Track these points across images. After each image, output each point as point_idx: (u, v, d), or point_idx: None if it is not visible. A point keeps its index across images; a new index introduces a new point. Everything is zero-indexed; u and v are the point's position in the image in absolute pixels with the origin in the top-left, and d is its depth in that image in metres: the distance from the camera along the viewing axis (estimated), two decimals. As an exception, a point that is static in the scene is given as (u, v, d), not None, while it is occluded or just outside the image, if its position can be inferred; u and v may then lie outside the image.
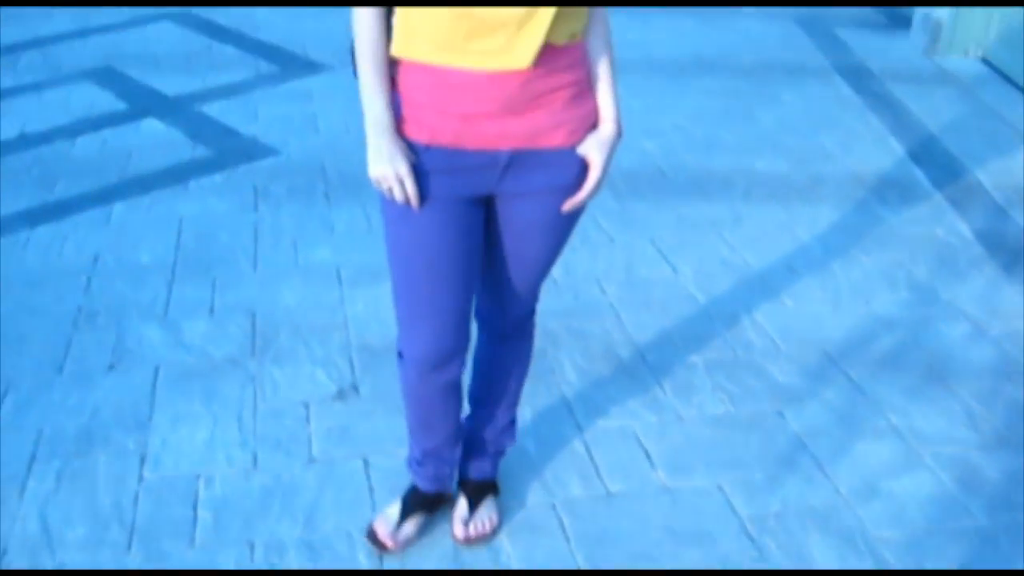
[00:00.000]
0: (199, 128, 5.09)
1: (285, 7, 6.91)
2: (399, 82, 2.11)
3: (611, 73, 2.19)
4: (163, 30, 6.48)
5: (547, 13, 1.97)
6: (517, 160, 2.13)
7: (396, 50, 2.09)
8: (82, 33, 6.33)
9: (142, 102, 5.38)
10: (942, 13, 6.45)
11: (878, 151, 5.15)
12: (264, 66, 5.89)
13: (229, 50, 6.15)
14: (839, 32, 6.95)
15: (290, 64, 5.93)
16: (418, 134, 2.10)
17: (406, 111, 2.10)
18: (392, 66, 2.11)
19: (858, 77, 6.12)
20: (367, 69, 2.09)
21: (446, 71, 2.03)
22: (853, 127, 5.41)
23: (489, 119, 2.06)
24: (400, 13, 2.07)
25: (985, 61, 6.43)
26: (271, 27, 6.54)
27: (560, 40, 2.05)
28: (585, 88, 2.15)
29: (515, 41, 1.99)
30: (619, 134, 2.20)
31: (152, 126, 5.12)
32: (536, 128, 2.09)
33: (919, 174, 4.93)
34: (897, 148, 5.19)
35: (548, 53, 2.03)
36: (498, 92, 2.03)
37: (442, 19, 1.99)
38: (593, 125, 2.18)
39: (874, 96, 5.85)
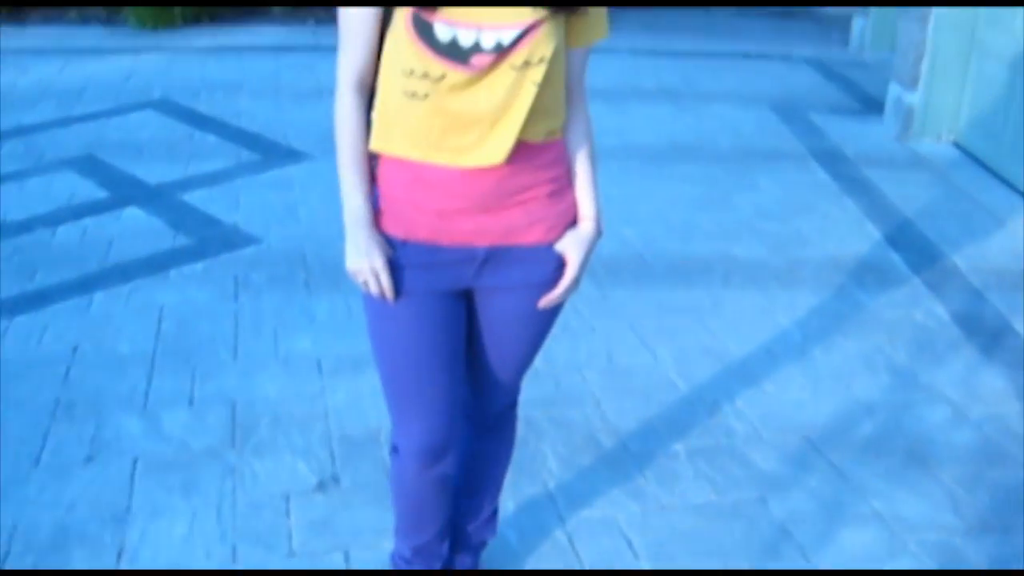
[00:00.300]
0: (180, 216, 5.10)
1: (267, 97, 6.99)
2: (378, 176, 2.13)
3: (591, 169, 2.22)
4: (146, 118, 6.53)
5: (521, 110, 2.00)
6: (494, 256, 2.15)
7: (374, 145, 2.11)
8: (65, 122, 6.38)
9: (123, 190, 5.40)
10: (913, 98, 6.56)
11: (855, 235, 5.21)
12: (246, 154, 5.94)
13: (211, 138, 6.20)
14: (813, 117, 7.06)
15: (272, 152, 5.98)
16: (395, 229, 2.12)
17: (384, 205, 2.12)
18: (372, 160, 2.14)
19: (833, 162, 6.21)
20: (346, 163, 2.12)
21: (422, 167, 2.06)
22: (830, 212, 5.47)
23: (465, 215, 2.08)
24: (379, 108, 2.10)
25: (957, 145, 6.54)
26: (253, 116, 6.60)
27: (537, 137, 2.08)
28: (564, 184, 2.18)
29: (488, 138, 2.02)
30: (598, 232, 2.22)
31: (133, 215, 5.13)
32: (512, 225, 2.11)
33: (896, 258, 4.98)
34: (874, 232, 5.25)
35: (525, 150, 2.06)
36: (473, 189, 2.06)
37: (417, 114, 2.02)
38: (572, 221, 2.20)
39: (850, 181, 5.93)
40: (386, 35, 2.06)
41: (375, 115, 2.12)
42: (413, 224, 2.10)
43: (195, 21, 9.17)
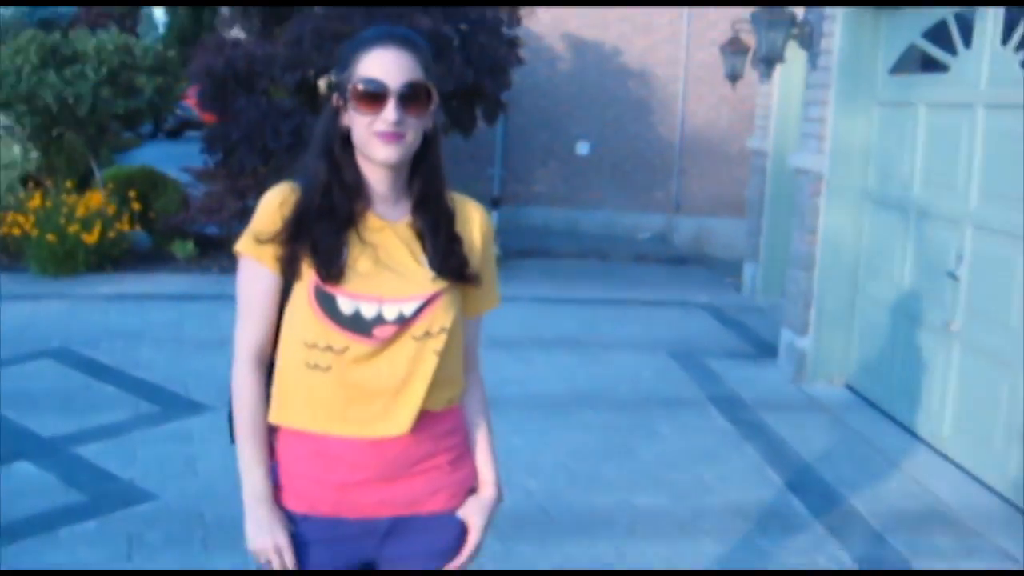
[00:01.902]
0: (73, 471, 4.96)
1: (169, 346, 6.96)
2: (277, 450, 2.11)
3: (489, 434, 2.24)
4: (42, 368, 6.44)
5: (423, 380, 2.04)
6: (397, 527, 2.13)
7: (274, 417, 2.11)
8: (-43, 372, 6.25)
9: (14, 444, 5.25)
10: (805, 343, 6.80)
11: (756, 482, 5.26)
12: (144, 406, 5.85)
13: (109, 389, 6.11)
14: (711, 362, 7.25)
15: (171, 404, 5.90)
16: (296, 504, 2.10)
17: (284, 480, 2.10)
18: (270, 433, 2.12)
19: (732, 407, 6.34)
20: (245, 437, 2.10)
21: (324, 439, 2.06)
22: (730, 458, 5.54)
23: (367, 487, 2.07)
24: (278, 379, 2.11)
25: (849, 387, 6.75)
26: (153, 365, 6.55)
27: (438, 406, 2.10)
28: (464, 451, 2.19)
29: (392, 408, 2.04)
30: (499, 498, 2.22)
31: (24, 469, 4.97)
32: (415, 495, 2.11)
33: (797, 503, 5.03)
34: (775, 478, 5.32)
35: (427, 419, 2.08)
36: (376, 459, 2.06)
37: (320, 386, 2.03)
38: (472, 488, 2.20)
39: (748, 426, 6.04)
40: (285, 307, 2.09)
41: (275, 387, 2.12)
42: (315, 498, 2.08)
43: (98, 268, 9.19)
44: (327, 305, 2.02)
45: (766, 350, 7.57)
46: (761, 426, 6.06)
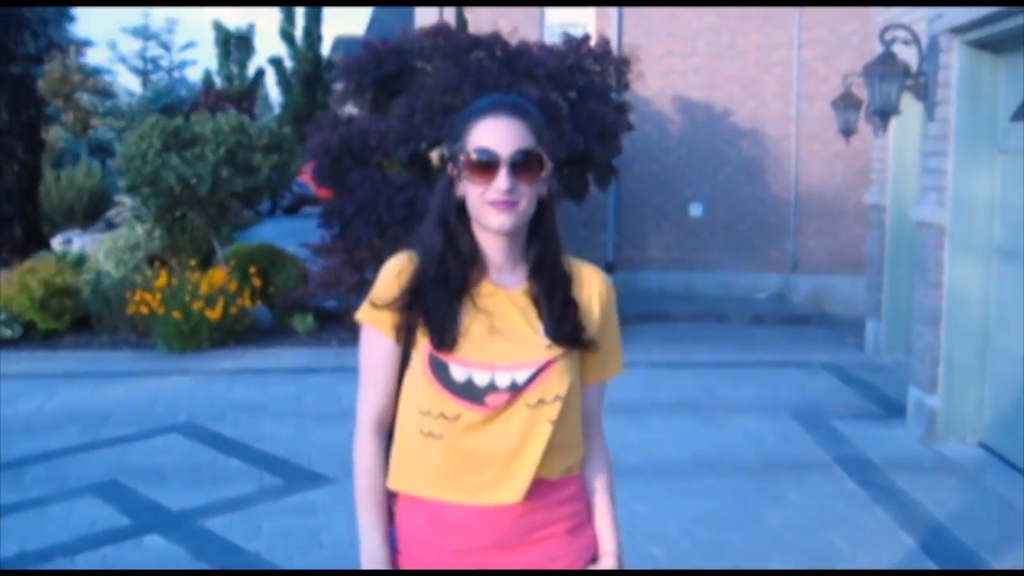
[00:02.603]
0: (201, 545, 5.03)
1: (291, 419, 7.06)
2: (396, 515, 2.12)
3: (611, 503, 2.20)
4: (170, 442, 6.58)
5: (537, 448, 2.02)
6: None
7: (392, 483, 2.12)
8: (90, 446, 6.42)
9: (145, 517, 5.36)
10: (935, 401, 6.58)
11: (889, 546, 5.08)
12: (268, 479, 5.93)
13: (234, 462, 6.22)
14: (836, 424, 7.06)
15: (295, 476, 5.97)
16: (413, 568, 2.09)
17: (402, 544, 2.10)
18: (390, 498, 2.13)
19: (860, 469, 6.15)
20: (365, 502, 2.12)
21: (439, 505, 2.05)
22: (861, 522, 5.36)
23: (483, 554, 2.05)
24: (396, 445, 2.11)
25: (983, 446, 6.49)
26: (276, 438, 6.64)
27: (554, 474, 2.07)
28: (584, 520, 2.15)
29: (505, 476, 2.02)
30: (621, 567, 2.17)
31: (154, 543, 5.07)
32: (532, 563, 2.08)
33: (934, 568, 4.83)
34: (908, 541, 5.12)
35: (542, 487, 2.05)
36: (491, 527, 2.04)
37: (434, 454, 2.03)
38: (593, 557, 2.16)
39: (878, 488, 5.84)
40: (404, 375, 2.10)
41: (393, 453, 2.13)
42: (431, 563, 2.07)
43: (221, 344, 9.41)
44: (440, 373, 2.02)
45: (893, 410, 7.35)
46: (892, 488, 5.85)
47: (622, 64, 10.71)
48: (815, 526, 5.28)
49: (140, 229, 11.01)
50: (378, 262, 10.36)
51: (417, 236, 2.16)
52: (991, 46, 6.26)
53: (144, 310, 9.38)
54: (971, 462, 6.30)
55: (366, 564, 2.10)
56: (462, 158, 2.07)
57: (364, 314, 2.15)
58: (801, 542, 5.06)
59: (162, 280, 9.51)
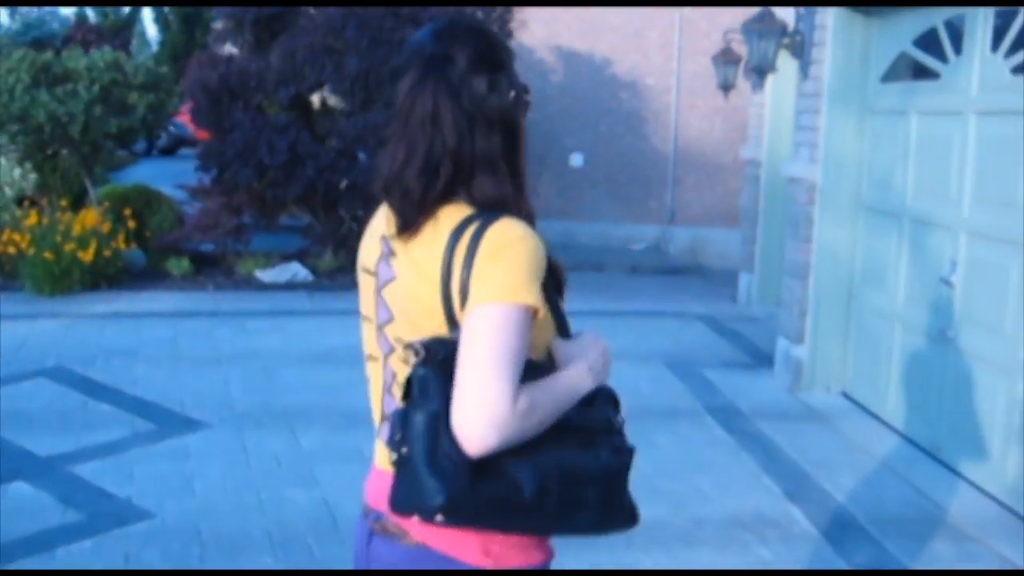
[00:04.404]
0: (70, 490, 4.95)
1: (165, 364, 6.95)
2: None
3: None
4: (38, 387, 6.43)
5: None
6: None
7: None
8: (-48, 394, 6.24)
9: (11, 463, 5.24)
10: (801, 351, 6.80)
11: (754, 491, 5.26)
12: (141, 424, 5.85)
13: (105, 407, 6.11)
14: (708, 373, 7.25)
15: (168, 422, 5.89)
16: None
17: None
18: None
19: (729, 417, 6.34)
20: (554, 396, 1.87)
21: None
22: (728, 467, 5.54)
23: None
24: None
25: (846, 395, 6.75)
26: (149, 384, 6.54)
27: None
28: None
29: None
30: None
31: (20, 489, 4.97)
32: None
33: (796, 512, 5.02)
34: (772, 487, 5.32)
35: None
36: None
37: None
38: None
39: (745, 435, 6.04)
40: None
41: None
42: None
43: (93, 287, 9.19)
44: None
45: (763, 360, 7.58)
46: (758, 435, 6.05)
47: (505, 12, 10.68)
48: (683, 471, 5.44)
49: (8, 167, 10.63)
50: (256, 205, 10.23)
51: (481, 189, 1.91)
52: (865, 7, 6.42)
53: (12, 250, 9.09)
54: (834, 410, 6.54)
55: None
56: (525, 97, 2.05)
57: (536, 298, 1.83)
58: (670, 487, 5.22)
59: (32, 220, 9.23)
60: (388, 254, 1.93)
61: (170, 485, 5.05)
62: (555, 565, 2.00)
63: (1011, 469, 5.00)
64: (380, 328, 1.96)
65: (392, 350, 1.95)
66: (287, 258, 10.29)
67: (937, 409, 5.70)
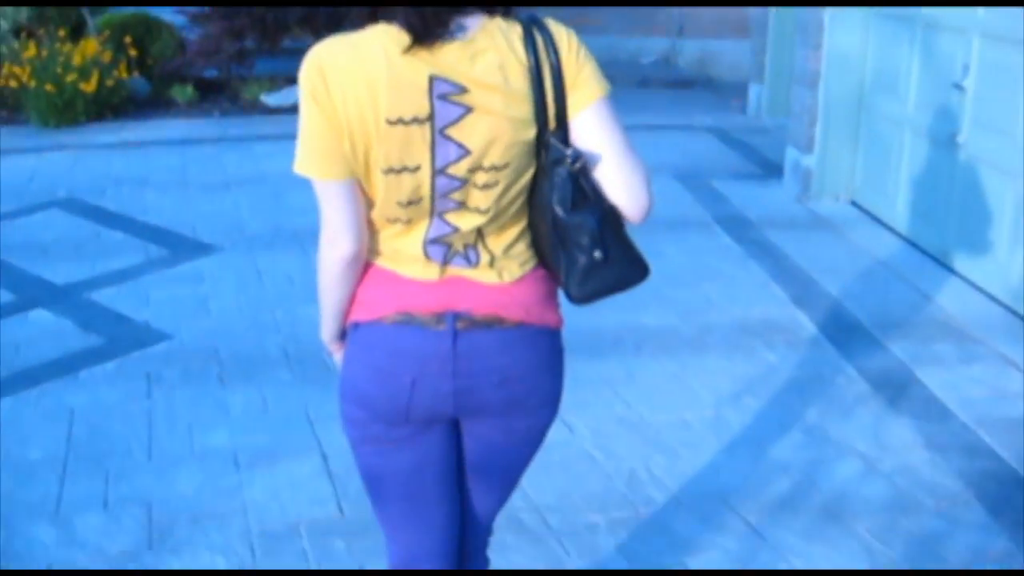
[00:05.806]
0: (89, 316, 5.05)
1: (174, 191, 6.98)
2: None
3: None
4: (51, 218, 6.48)
5: None
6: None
7: None
8: (-33, 225, 6.30)
9: (30, 292, 5.33)
10: (810, 160, 6.77)
11: (762, 298, 5.33)
12: (154, 250, 5.91)
13: (118, 235, 6.17)
14: (716, 184, 7.24)
15: (180, 247, 5.96)
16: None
17: None
18: None
19: (737, 227, 6.37)
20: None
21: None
22: (736, 276, 5.60)
23: None
24: None
25: (855, 204, 6.75)
26: (160, 210, 6.58)
27: None
28: None
29: None
30: None
31: (41, 316, 5.07)
32: None
33: (802, 317, 5.10)
34: (780, 293, 5.38)
35: None
36: None
37: None
38: None
39: (753, 244, 6.08)
40: None
41: None
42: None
43: (99, 117, 9.13)
44: None
45: (772, 170, 7.55)
46: (766, 244, 6.09)
47: None
48: (692, 280, 5.50)
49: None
50: (258, 28, 10.05)
51: None
52: None
53: (14, 84, 9.00)
54: (842, 219, 6.56)
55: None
56: None
57: None
58: (679, 295, 5.28)
59: (31, 52, 9.11)
60: (447, 92, 1.84)
61: (186, 307, 5.14)
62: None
63: (1016, 271, 5.03)
64: (440, 171, 1.88)
65: (461, 184, 1.90)
66: (292, 81, 10.16)
67: (945, 214, 5.70)
